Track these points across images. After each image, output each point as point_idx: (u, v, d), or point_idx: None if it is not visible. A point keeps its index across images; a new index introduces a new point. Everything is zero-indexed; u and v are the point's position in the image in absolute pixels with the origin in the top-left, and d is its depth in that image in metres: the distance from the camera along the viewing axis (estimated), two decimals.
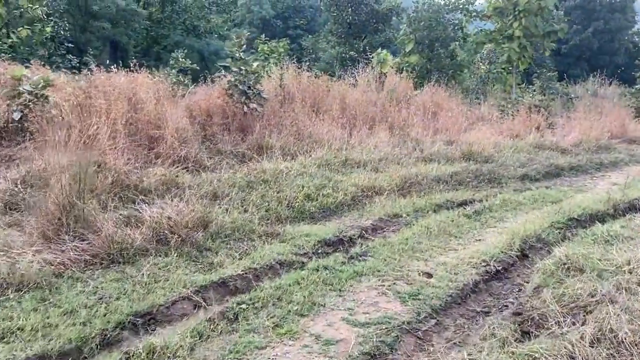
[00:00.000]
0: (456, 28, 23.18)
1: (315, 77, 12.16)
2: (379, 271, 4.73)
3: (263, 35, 24.42)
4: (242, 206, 6.11)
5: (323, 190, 7.10)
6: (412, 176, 8.26)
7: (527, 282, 4.83)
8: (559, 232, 6.19)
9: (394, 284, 4.53)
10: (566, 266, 4.56)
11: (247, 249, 5.09)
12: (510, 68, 20.92)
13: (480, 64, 27.39)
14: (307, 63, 14.77)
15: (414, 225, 6.27)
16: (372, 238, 5.84)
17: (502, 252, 5.35)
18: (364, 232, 5.96)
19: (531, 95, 16.90)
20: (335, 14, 27.30)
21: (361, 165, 8.73)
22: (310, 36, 34.37)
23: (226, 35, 31.56)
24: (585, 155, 11.26)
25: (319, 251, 5.25)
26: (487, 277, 4.87)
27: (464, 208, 7.23)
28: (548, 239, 5.93)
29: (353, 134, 10.49)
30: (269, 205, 6.33)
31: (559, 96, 18.74)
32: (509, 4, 19.82)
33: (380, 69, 16.14)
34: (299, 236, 5.51)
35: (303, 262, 4.93)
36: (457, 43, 24.17)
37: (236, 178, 6.93)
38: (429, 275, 4.76)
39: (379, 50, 19.95)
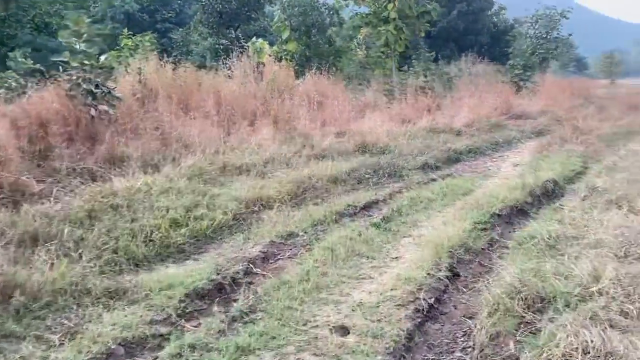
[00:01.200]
0: (331, 12, 22.13)
1: (184, 71, 10.33)
2: (274, 339, 3.22)
3: (126, 30, 21.73)
4: (76, 251, 4.29)
5: (195, 210, 5.44)
6: (305, 179, 6.83)
7: (471, 318, 3.61)
8: (485, 235, 5.11)
9: None
10: (522, 295, 3.37)
11: (74, 326, 3.34)
12: (389, 51, 20.31)
13: (358, 49, 26.85)
14: (177, 57, 12.83)
15: (314, 247, 4.84)
16: (263, 274, 4.32)
17: (428, 274, 4.10)
18: (250, 265, 4.41)
19: (415, 77, 16.25)
20: (204, 3, 25.17)
21: (243, 171, 7.16)
22: (180, 29, 31.76)
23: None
24: (480, 135, 10.58)
25: (188, 311, 3.63)
26: (419, 318, 3.56)
27: (369, 214, 5.97)
28: (476, 246, 4.80)
29: (232, 133, 8.87)
30: (117, 243, 4.53)
31: (438, 77, 18.40)
32: None
33: (257, 59, 14.58)
34: (158, 289, 3.82)
35: (162, 337, 3.29)
36: (334, 28, 23.22)
37: (72, 207, 5.04)
38: (345, 332, 3.35)
39: (254, 39, 18.33)
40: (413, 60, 21.34)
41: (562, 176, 7.40)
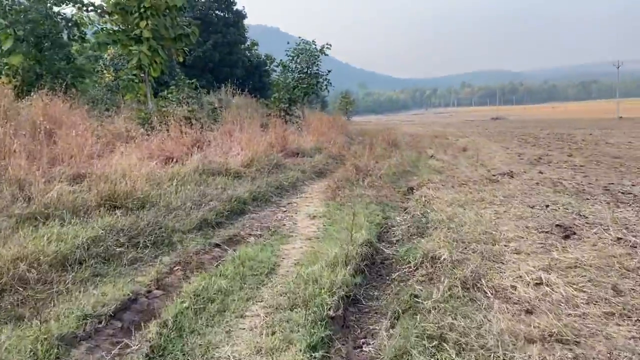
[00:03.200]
0: (70, 24, 18.14)
1: None
2: None
3: None
4: None
5: None
6: (6, 266, 3.86)
7: None
8: None
9: None
10: None
11: None
12: (142, 75, 17.36)
13: (105, 71, 23.03)
14: None
15: None
16: None
17: None
18: None
19: (176, 105, 13.74)
20: None
21: None
22: None
23: None
24: (262, 178, 8.65)
25: None
26: None
27: (124, 337, 3.37)
28: None
29: None
30: None
31: (202, 106, 16.25)
32: (133, 0, 16.17)
33: None
34: None
35: None
36: (75, 43, 19.19)
37: None
38: None
39: None
40: (171, 87, 18.78)
41: (377, 233, 5.88)
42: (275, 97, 17.35)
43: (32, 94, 12.82)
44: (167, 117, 11.20)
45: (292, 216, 7.00)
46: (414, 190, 8.99)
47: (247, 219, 6.75)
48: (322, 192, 8.60)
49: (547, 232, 5.92)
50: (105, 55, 23.53)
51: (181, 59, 19.36)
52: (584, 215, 6.70)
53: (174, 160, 8.92)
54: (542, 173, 10.59)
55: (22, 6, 16.71)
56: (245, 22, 41.69)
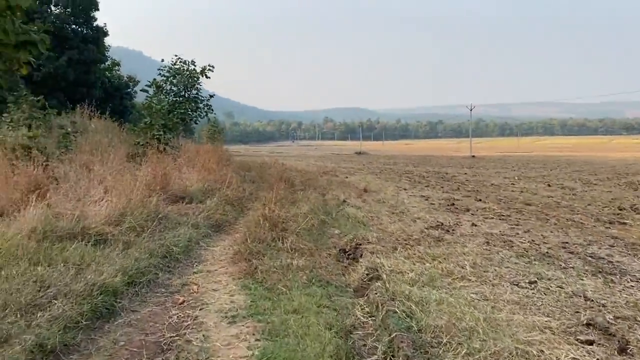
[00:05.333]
0: None
1: None
2: None
3: None
4: None
5: None
6: None
7: None
8: None
9: None
10: None
11: None
12: None
13: None
14: None
15: None
16: None
17: None
18: None
19: (12, 129, 10.10)
20: None
21: None
22: None
23: None
24: (141, 242, 5.76)
25: None
26: None
27: None
28: None
29: None
30: None
31: (48, 131, 12.58)
32: None
33: None
34: None
35: None
36: None
37: None
38: None
39: None
40: (9, 105, 14.66)
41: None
42: (146, 123, 14.17)
43: None
44: None
45: (196, 317, 4.27)
46: (350, 255, 6.76)
47: (120, 329, 3.92)
48: (231, 261, 5.96)
49: (588, 341, 4.01)
50: None
51: (25, 72, 15.20)
52: (601, 304, 4.95)
53: None
54: (475, 225, 9.03)
55: None
56: (106, 40, 36.99)
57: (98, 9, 36.18)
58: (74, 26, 35.12)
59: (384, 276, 5.43)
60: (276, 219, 7.61)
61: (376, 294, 4.94)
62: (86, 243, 5.30)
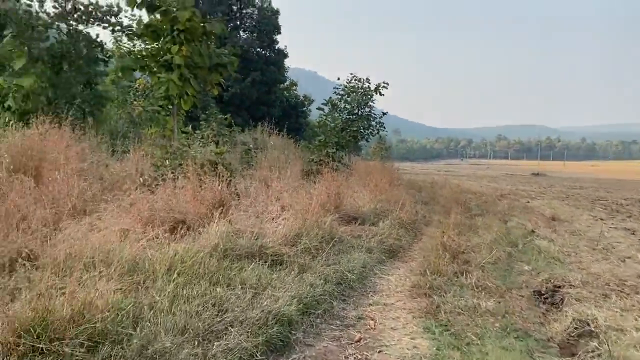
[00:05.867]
0: (94, 46, 15.77)
1: None
2: None
3: None
4: None
5: None
6: None
7: None
8: None
9: None
10: None
11: None
12: (170, 107, 14.75)
13: (135, 101, 20.61)
14: None
15: None
16: None
17: None
18: None
19: (201, 143, 10.91)
20: None
21: None
22: None
23: None
24: (315, 266, 5.52)
25: None
26: None
27: None
28: None
29: None
30: None
31: (233, 147, 13.40)
32: (165, 21, 13.65)
33: None
34: None
35: None
36: (99, 67, 16.81)
37: None
38: None
39: None
40: (201, 122, 16.10)
41: None
42: (320, 141, 14.42)
43: (29, 123, 10.21)
44: (186, 159, 8.30)
45: None
46: (546, 299, 5.72)
47: None
48: (409, 294, 5.40)
49: None
50: (136, 85, 21.08)
51: (216, 92, 16.68)
52: None
53: (186, 227, 5.91)
54: None
55: (41, 21, 14.44)
56: (285, 62, 39.64)
57: (280, 32, 38.88)
58: (258, 49, 38.15)
59: (600, 334, 4.37)
60: (456, 249, 6.86)
61: (593, 358, 3.94)
62: (263, 263, 5.19)
